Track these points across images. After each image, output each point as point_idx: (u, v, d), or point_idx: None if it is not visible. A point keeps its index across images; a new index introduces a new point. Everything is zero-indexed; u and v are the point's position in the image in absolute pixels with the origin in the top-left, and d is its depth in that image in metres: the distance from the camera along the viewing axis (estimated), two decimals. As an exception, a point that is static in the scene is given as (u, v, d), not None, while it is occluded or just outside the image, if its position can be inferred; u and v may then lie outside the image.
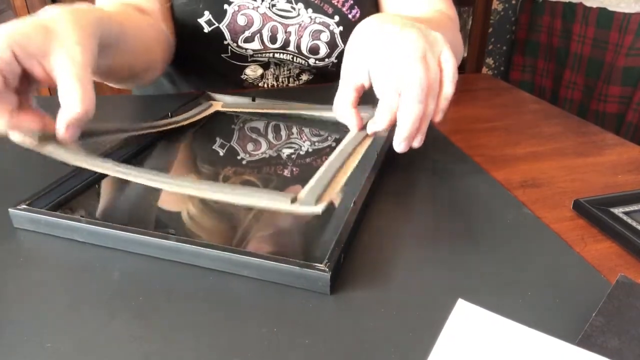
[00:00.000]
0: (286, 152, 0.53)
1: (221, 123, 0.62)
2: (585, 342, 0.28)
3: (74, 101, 0.36)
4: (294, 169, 0.50)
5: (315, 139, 0.57)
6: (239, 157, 0.52)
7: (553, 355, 0.26)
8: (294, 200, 0.34)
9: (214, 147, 0.55)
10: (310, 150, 0.55)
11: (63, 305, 0.32)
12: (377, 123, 0.41)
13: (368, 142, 0.44)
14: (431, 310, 0.32)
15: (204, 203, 0.43)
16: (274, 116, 0.63)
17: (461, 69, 2.03)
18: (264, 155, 0.53)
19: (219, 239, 0.40)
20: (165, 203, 0.44)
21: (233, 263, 0.35)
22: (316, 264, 0.33)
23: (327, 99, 0.63)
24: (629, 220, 0.40)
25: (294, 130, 0.60)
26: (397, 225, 0.41)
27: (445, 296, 0.33)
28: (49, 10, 0.38)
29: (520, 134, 0.59)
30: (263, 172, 0.49)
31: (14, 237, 0.39)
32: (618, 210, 0.42)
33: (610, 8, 1.62)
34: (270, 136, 0.58)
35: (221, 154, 0.54)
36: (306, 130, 0.59)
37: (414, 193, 0.46)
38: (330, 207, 0.36)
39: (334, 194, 0.36)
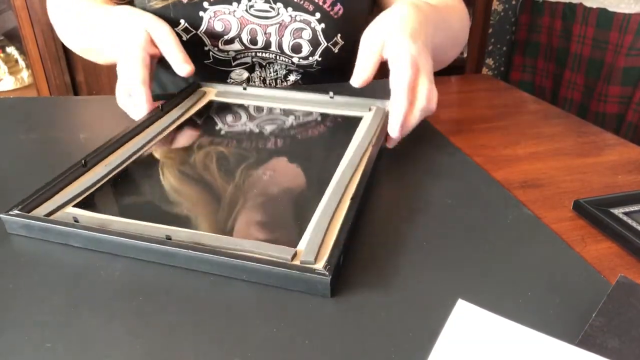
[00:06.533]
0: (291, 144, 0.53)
1: (218, 112, 0.62)
2: (585, 343, 0.28)
3: (175, 50, 0.58)
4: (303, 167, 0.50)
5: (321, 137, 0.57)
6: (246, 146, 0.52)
7: (553, 355, 0.26)
8: (294, 257, 0.35)
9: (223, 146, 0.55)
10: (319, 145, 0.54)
11: (63, 306, 0.32)
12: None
13: (361, 170, 0.45)
14: (431, 310, 0.32)
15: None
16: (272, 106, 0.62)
17: (461, 69, 2.04)
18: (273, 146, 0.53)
19: (210, 227, 0.40)
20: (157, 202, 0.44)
21: (231, 267, 0.34)
22: (316, 267, 0.33)
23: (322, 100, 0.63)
24: (629, 221, 0.40)
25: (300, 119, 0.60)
26: (397, 226, 0.41)
27: (445, 296, 0.33)
28: (136, 17, 0.60)
29: (520, 134, 0.59)
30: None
31: (7, 243, 0.38)
32: (618, 211, 0.41)
33: (610, 8, 1.62)
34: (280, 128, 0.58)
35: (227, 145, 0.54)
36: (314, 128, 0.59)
37: (413, 193, 0.46)
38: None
39: (332, 244, 0.36)
